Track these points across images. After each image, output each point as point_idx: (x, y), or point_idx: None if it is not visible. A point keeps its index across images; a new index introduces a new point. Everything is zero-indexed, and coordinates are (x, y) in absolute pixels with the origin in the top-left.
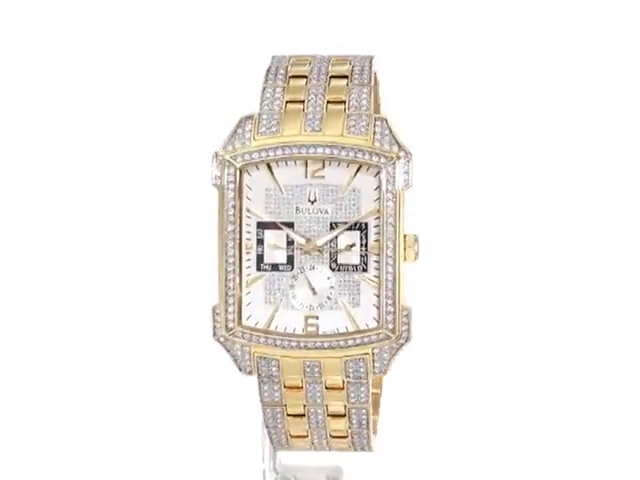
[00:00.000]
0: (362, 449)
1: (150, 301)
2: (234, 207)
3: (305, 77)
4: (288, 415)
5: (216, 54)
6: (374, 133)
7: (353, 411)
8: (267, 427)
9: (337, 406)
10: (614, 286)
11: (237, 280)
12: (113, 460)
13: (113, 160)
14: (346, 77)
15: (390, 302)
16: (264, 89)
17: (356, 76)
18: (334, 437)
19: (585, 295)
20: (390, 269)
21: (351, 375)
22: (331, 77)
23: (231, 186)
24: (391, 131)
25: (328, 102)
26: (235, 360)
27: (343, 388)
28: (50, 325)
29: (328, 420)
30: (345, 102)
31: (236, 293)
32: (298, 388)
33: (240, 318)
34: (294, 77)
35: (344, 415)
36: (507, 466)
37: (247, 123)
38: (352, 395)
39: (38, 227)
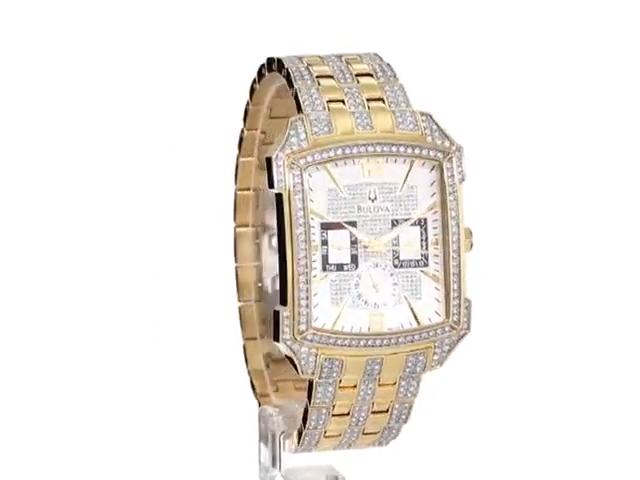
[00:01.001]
0: (380, 444)
1: (149, 301)
2: (302, 209)
3: (331, 77)
4: (333, 415)
5: (214, 54)
6: (424, 128)
7: (396, 406)
8: (308, 429)
9: (383, 403)
10: None
11: (307, 282)
12: (109, 463)
13: (113, 160)
14: (370, 75)
15: (456, 295)
16: (299, 90)
17: (380, 73)
18: (365, 434)
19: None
20: (455, 262)
21: (408, 370)
22: (356, 75)
23: (298, 188)
24: (439, 126)
25: (367, 100)
26: (299, 363)
27: (395, 383)
28: (49, 325)
29: (370, 417)
30: (382, 99)
31: (309, 295)
32: (352, 387)
33: (311, 320)
34: (320, 77)
35: (386, 411)
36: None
37: (298, 125)
38: (402, 390)
39: (38, 228)
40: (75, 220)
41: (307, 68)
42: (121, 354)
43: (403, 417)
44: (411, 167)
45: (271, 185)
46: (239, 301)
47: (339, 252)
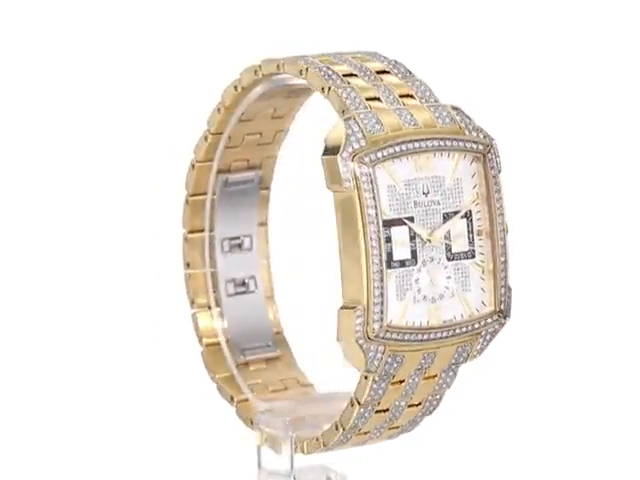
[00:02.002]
0: (390, 438)
1: (149, 301)
2: (374, 207)
3: (355, 75)
4: (376, 412)
5: (215, 53)
6: (459, 121)
7: (429, 399)
8: (350, 428)
9: (419, 397)
10: None
11: (381, 280)
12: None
13: (113, 160)
14: (388, 72)
15: (503, 284)
16: (336, 89)
17: (395, 70)
18: (390, 429)
19: None
20: (502, 251)
21: (453, 361)
22: (376, 73)
23: (367, 186)
24: (470, 119)
25: (399, 97)
26: (366, 362)
27: (436, 376)
28: (48, 326)
29: (405, 412)
30: (411, 95)
31: (383, 293)
32: (400, 382)
33: (385, 319)
34: (346, 76)
35: (419, 404)
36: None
37: (352, 124)
38: (440, 382)
39: (37, 229)
40: (75, 220)
41: (329, 68)
42: (118, 354)
43: (431, 409)
44: (456, 160)
45: (336, 183)
46: (192, 308)
47: (401, 248)
